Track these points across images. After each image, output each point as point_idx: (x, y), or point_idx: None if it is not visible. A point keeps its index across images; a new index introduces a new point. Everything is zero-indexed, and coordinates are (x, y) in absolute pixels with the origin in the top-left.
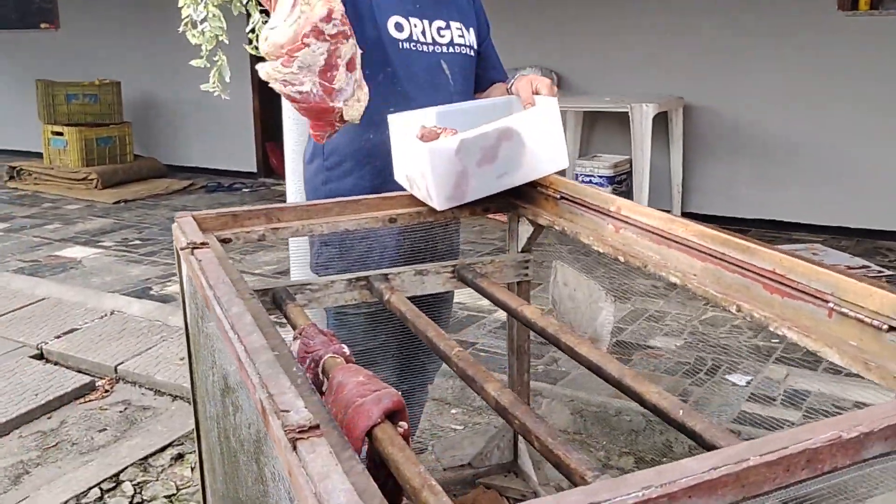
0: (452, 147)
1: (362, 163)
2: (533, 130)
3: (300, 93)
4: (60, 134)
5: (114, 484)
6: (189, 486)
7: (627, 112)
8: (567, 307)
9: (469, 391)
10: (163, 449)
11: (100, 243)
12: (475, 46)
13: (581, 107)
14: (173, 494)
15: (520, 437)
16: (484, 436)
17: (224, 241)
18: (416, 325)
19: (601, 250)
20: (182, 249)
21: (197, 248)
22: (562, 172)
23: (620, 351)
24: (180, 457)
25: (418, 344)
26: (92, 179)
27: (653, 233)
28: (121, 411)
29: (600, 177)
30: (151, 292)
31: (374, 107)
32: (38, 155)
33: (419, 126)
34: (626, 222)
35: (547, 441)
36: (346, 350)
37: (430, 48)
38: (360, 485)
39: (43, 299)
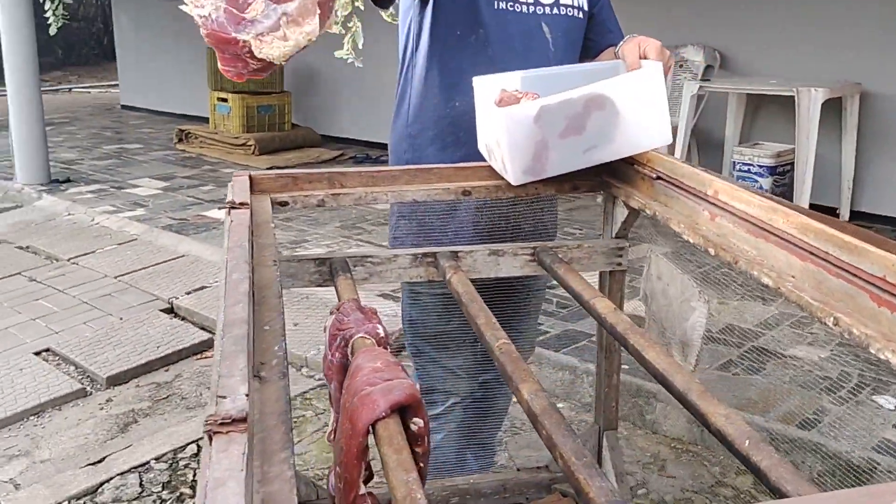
0: (531, 114)
1: (445, 132)
2: (630, 99)
3: (200, 17)
4: (225, 100)
5: None
6: None
7: (794, 97)
8: (659, 304)
9: (579, 385)
10: None
11: None
12: (585, 8)
13: (743, 89)
14: None
15: (605, 443)
16: None
17: (281, 204)
18: (469, 309)
19: (691, 240)
20: (220, 209)
21: (235, 208)
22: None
23: (754, 358)
24: None
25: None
26: (250, 145)
27: (750, 223)
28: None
29: (760, 166)
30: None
31: (461, 71)
32: (205, 119)
33: (500, 90)
34: (724, 209)
35: (570, 460)
36: (381, 331)
37: (531, 8)
38: (271, 497)
39: (182, 256)
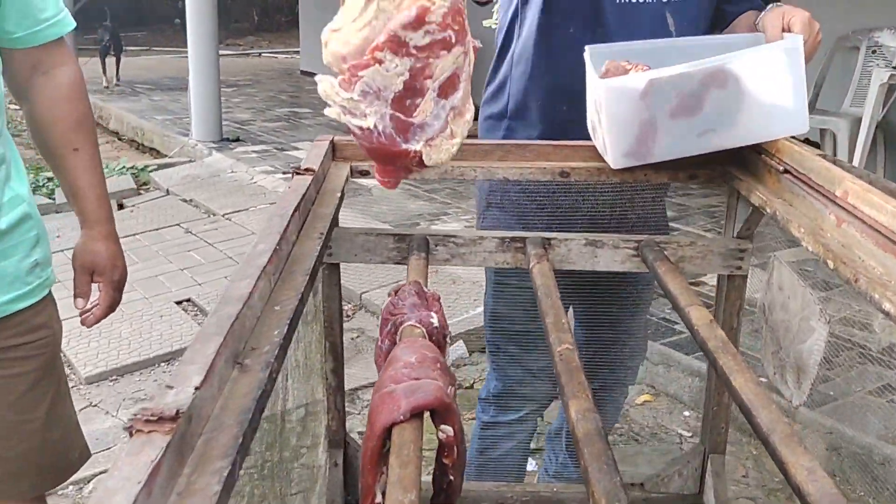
0: (637, 87)
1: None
2: (759, 77)
3: (360, 128)
4: None
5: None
6: None
7: None
8: (778, 319)
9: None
10: (371, 384)
11: None
12: None
13: None
14: None
15: (709, 470)
16: (666, 455)
17: (361, 173)
18: (542, 304)
19: (810, 248)
20: (285, 174)
21: (299, 173)
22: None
23: None
24: None
25: (611, 336)
26: None
27: (880, 233)
28: (353, 338)
29: None
30: (419, 227)
31: (572, 73)
32: None
33: (608, 60)
34: (853, 214)
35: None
36: (436, 320)
37: None
38: None
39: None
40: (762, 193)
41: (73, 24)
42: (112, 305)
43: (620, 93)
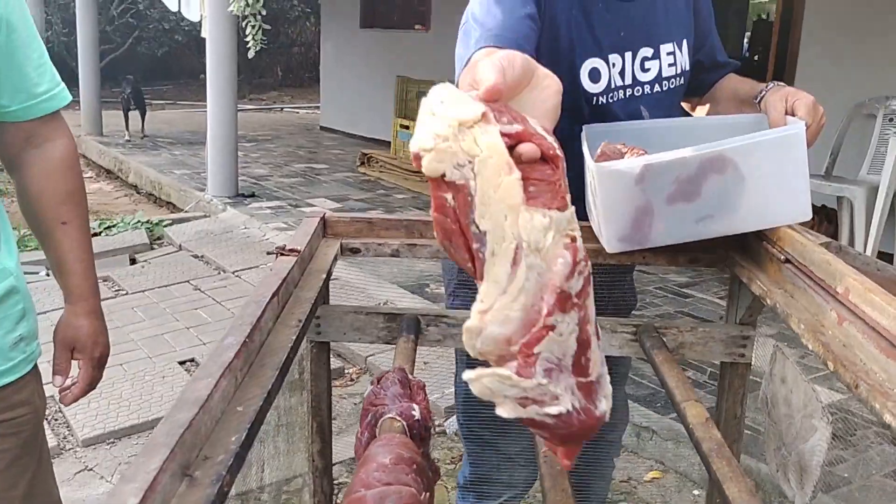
0: (633, 172)
1: None
2: (761, 164)
3: (551, 416)
4: (407, 127)
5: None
6: None
7: None
8: (780, 413)
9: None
10: None
11: None
12: (687, 65)
13: None
14: None
15: None
16: None
17: (352, 251)
18: None
19: (810, 346)
20: (269, 253)
21: (283, 254)
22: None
23: None
24: None
25: None
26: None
27: (882, 336)
28: (355, 403)
29: None
30: (426, 290)
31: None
32: (389, 145)
33: (603, 143)
34: (854, 313)
35: None
36: (417, 413)
37: (629, 92)
38: None
39: (335, 279)
40: (763, 283)
41: (69, 98)
42: (92, 383)
43: (615, 177)
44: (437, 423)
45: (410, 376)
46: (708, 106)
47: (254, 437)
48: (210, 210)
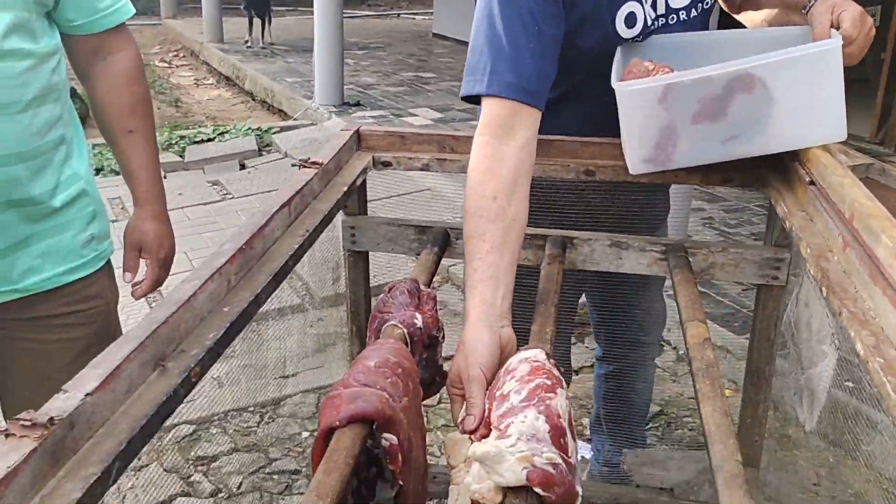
0: (655, 92)
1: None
2: (791, 82)
3: (552, 464)
4: None
5: None
6: None
7: None
8: (801, 337)
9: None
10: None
11: None
12: None
13: None
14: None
15: None
16: (697, 463)
17: (384, 164)
18: (537, 308)
19: (811, 271)
20: (293, 165)
21: (305, 166)
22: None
23: None
24: None
25: (626, 316)
26: None
27: (874, 264)
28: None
29: None
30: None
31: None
32: None
33: (632, 59)
34: (856, 239)
35: None
36: (419, 321)
37: (662, 21)
38: None
39: (426, 189)
40: (787, 205)
41: (132, 11)
42: (157, 281)
43: (637, 97)
44: None
45: (423, 287)
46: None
47: (234, 335)
48: (316, 118)
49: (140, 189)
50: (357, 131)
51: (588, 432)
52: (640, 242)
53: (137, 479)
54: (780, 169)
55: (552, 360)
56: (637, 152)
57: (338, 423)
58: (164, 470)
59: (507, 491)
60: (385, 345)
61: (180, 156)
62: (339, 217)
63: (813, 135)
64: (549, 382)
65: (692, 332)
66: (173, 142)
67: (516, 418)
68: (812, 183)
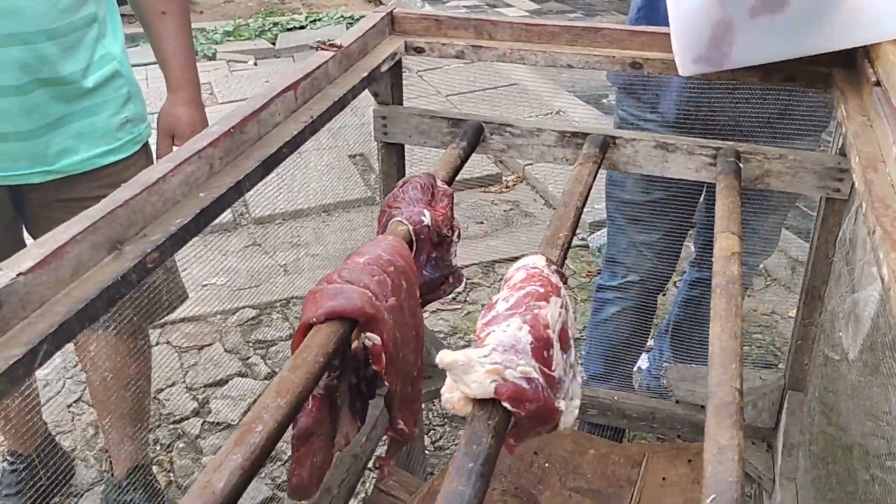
0: None
1: None
2: None
3: (525, 378)
4: None
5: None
6: None
7: None
8: (857, 258)
9: None
10: (512, 259)
11: None
12: None
13: None
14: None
15: (785, 408)
16: (745, 382)
17: (416, 50)
18: (557, 212)
19: (856, 183)
20: (311, 48)
21: (322, 48)
22: None
23: None
24: None
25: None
26: None
27: None
28: (506, 210)
29: None
30: (603, 101)
31: None
32: None
33: None
34: None
35: None
36: (427, 218)
37: None
38: None
39: (514, 84)
40: (849, 108)
41: None
42: None
43: None
44: (580, 236)
45: (440, 183)
46: None
47: (206, 223)
48: (410, 6)
49: (173, 74)
50: (391, 13)
51: (652, 342)
52: (689, 144)
53: (199, 356)
54: (850, 66)
55: (553, 267)
56: (687, 50)
57: (315, 319)
58: (225, 350)
59: (474, 402)
60: (382, 241)
61: (272, 43)
62: (371, 107)
63: (887, 27)
64: (541, 290)
65: (721, 245)
66: (266, 28)
67: (498, 327)
68: (878, 84)
